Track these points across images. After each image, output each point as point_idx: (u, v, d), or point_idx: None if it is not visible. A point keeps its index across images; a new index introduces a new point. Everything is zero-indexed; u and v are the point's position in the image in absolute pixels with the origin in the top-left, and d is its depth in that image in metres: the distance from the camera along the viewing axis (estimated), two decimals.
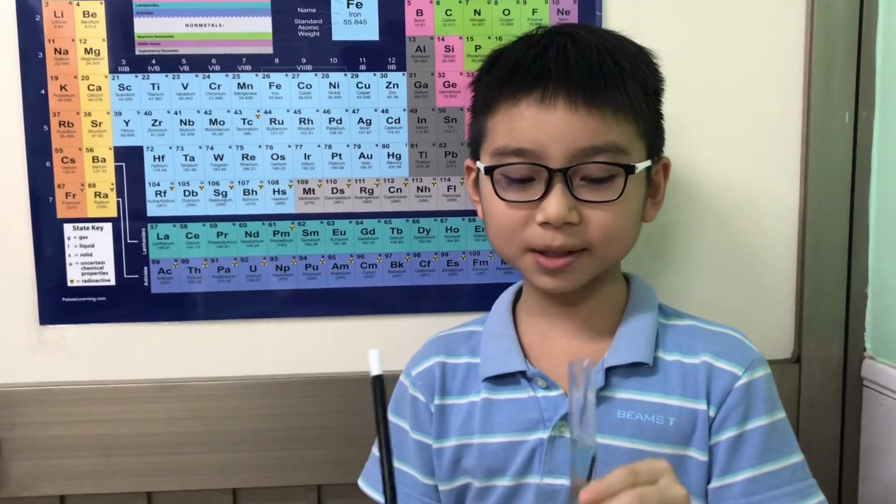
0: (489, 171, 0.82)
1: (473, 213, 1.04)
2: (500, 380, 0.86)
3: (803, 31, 1.04)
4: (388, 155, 1.03)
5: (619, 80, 0.79)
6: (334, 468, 1.06)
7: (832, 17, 1.03)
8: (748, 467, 0.81)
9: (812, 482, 0.83)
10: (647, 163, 0.82)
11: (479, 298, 1.05)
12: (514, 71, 0.81)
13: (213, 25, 0.99)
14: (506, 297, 0.93)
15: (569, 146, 0.78)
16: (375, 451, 0.94)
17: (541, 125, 0.78)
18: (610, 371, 0.83)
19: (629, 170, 0.79)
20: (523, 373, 0.85)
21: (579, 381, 0.66)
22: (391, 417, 0.92)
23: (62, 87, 0.99)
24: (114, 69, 0.99)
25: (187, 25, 0.99)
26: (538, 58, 0.80)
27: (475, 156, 0.87)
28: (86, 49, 0.99)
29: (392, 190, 1.04)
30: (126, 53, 0.99)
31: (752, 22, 1.04)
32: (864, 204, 1.06)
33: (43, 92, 0.99)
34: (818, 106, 1.04)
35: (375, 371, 0.67)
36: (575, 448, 0.68)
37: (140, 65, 0.99)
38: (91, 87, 0.99)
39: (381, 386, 0.67)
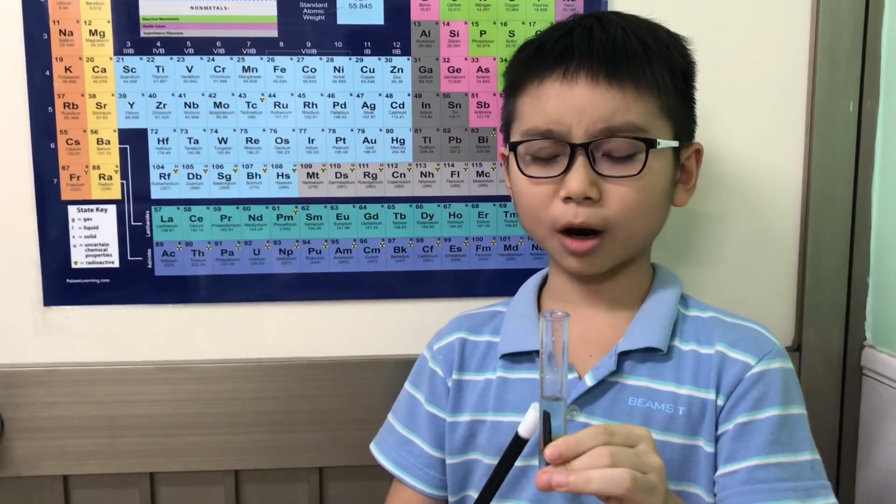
0: (513, 146, 0.83)
1: (477, 199, 1.05)
2: (517, 358, 0.87)
3: (808, 20, 1.04)
4: (392, 140, 1.03)
5: (643, 57, 0.80)
6: (336, 451, 1.07)
7: (837, 5, 1.03)
8: (755, 455, 0.79)
9: (824, 484, 0.81)
10: (673, 143, 0.82)
11: (481, 284, 1.06)
12: (539, 51, 0.83)
13: (218, 8, 0.99)
14: (532, 282, 0.94)
15: (589, 122, 0.79)
16: (391, 417, 0.96)
17: (563, 102, 0.80)
18: (623, 356, 0.83)
19: (650, 143, 0.79)
20: (539, 352, 0.85)
21: (555, 335, 0.66)
22: (409, 387, 0.95)
23: (67, 69, 0.99)
24: (118, 51, 0.99)
25: (192, 8, 0.99)
26: (563, 38, 0.82)
27: (507, 140, 0.88)
28: (91, 31, 0.98)
29: (396, 175, 1.04)
30: (131, 35, 0.99)
31: (757, 11, 1.04)
32: (866, 193, 1.07)
33: (47, 73, 0.99)
34: (822, 95, 1.04)
35: (525, 432, 0.69)
36: (541, 399, 0.67)
37: (145, 47, 0.99)
38: (96, 69, 0.99)
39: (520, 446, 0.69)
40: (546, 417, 0.67)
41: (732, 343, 0.83)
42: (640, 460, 0.66)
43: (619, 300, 0.87)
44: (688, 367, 0.83)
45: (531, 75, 0.83)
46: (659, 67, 0.80)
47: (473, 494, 0.89)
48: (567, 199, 0.80)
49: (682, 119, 0.84)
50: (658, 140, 0.80)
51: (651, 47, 0.81)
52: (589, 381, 0.82)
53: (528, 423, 0.70)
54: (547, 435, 0.67)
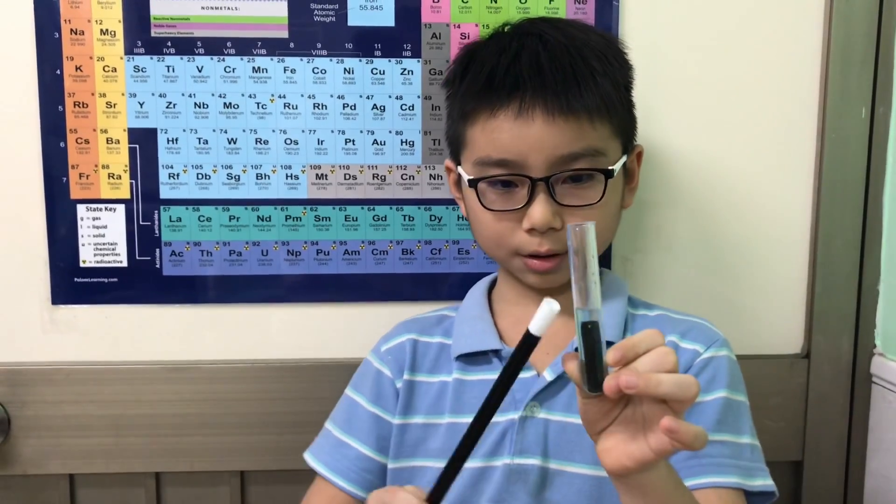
0: (473, 183, 0.84)
1: None
2: (473, 359, 0.87)
3: (821, 25, 1.04)
4: (402, 142, 1.03)
5: (591, 82, 0.81)
6: None
7: (851, 10, 1.02)
8: None
9: (764, 468, 0.83)
10: (623, 159, 0.85)
11: None
12: (489, 82, 0.82)
13: (228, 9, 0.99)
14: (481, 285, 0.95)
15: (548, 155, 0.80)
16: (327, 424, 0.93)
17: (520, 136, 0.81)
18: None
19: (608, 174, 0.82)
20: (497, 352, 0.86)
21: (576, 243, 0.62)
22: (349, 391, 0.94)
23: (77, 68, 0.99)
24: (129, 50, 0.99)
25: (203, 8, 0.99)
26: (512, 66, 0.82)
27: (455, 158, 0.89)
28: (101, 30, 0.99)
29: (405, 177, 1.04)
30: (142, 35, 0.99)
31: (770, 15, 1.04)
32: (877, 200, 1.06)
33: (58, 72, 0.99)
34: (834, 101, 1.04)
35: (536, 330, 0.62)
36: (579, 310, 0.62)
37: (155, 47, 0.99)
38: (106, 69, 0.99)
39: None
40: (586, 329, 0.61)
41: (682, 334, 0.87)
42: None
43: (570, 301, 0.85)
44: None
45: (483, 106, 0.82)
46: (607, 89, 0.82)
47: None
48: (531, 229, 0.82)
49: (628, 130, 0.87)
50: (613, 169, 0.82)
51: (597, 69, 0.82)
52: (548, 376, 0.84)
53: (540, 320, 0.62)
54: (593, 348, 0.61)
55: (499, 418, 0.84)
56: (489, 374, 0.86)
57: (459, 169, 0.87)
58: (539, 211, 0.80)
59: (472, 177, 0.84)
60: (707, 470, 0.80)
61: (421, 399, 0.89)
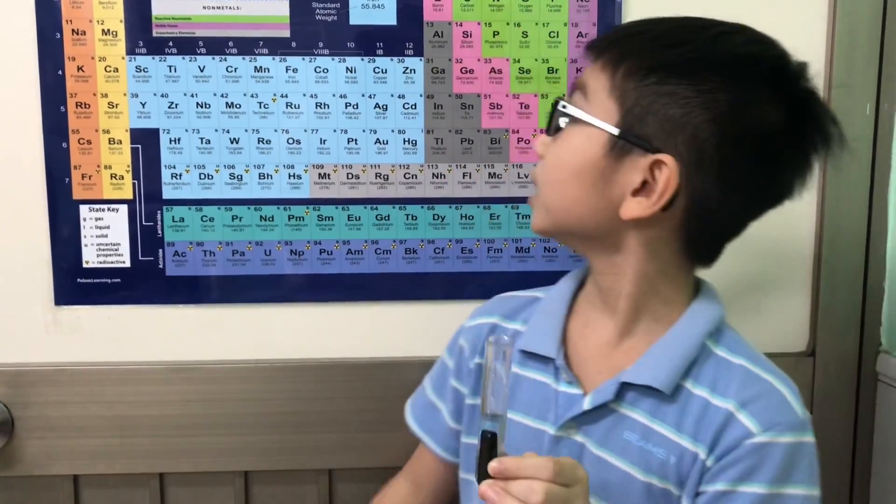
0: None
1: (489, 200, 1.04)
2: (534, 358, 0.85)
3: (826, 22, 1.03)
4: (404, 141, 1.03)
5: (621, 34, 0.79)
6: (345, 452, 1.06)
7: (855, 7, 1.02)
8: None
9: None
10: (591, 118, 0.76)
11: (492, 286, 1.05)
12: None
13: (230, 8, 0.99)
14: (576, 273, 0.90)
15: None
16: (426, 379, 0.97)
17: None
18: (626, 386, 0.78)
19: (558, 105, 0.79)
20: (553, 360, 0.83)
21: (491, 356, 0.68)
22: (444, 354, 0.96)
23: (79, 68, 0.99)
24: (131, 51, 0.99)
25: (205, 8, 0.99)
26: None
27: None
28: (103, 30, 0.98)
29: (407, 176, 1.03)
30: (143, 35, 0.99)
31: (774, 12, 1.03)
32: (882, 197, 1.05)
33: (60, 73, 0.99)
34: (839, 98, 1.03)
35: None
36: (484, 418, 0.68)
37: (157, 47, 0.99)
38: (108, 69, 0.99)
39: None
40: (485, 437, 0.68)
41: (745, 402, 0.75)
42: (563, 501, 0.65)
43: (638, 320, 0.81)
44: (691, 415, 0.77)
45: None
46: (625, 48, 0.76)
47: (472, 478, 0.85)
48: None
49: (639, 114, 0.74)
50: (566, 104, 0.78)
51: (641, 30, 0.78)
52: (587, 404, 0.79)
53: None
54: (487, 452, 0.68)
55: (532, 423, 0.82)
56: (543, 376, 0.83)
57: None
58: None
59: None
60: None
61: None
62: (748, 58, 0.76)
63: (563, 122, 0.79)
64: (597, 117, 0.76)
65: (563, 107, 0.78)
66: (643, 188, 0.75)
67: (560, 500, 0.64)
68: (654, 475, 0.77)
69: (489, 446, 0.67)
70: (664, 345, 0.79)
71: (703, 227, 0.78)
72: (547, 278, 1.03)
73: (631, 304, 0.81)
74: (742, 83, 0.74)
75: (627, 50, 0.76)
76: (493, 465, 0.65)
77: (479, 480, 0.67)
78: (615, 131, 0.75)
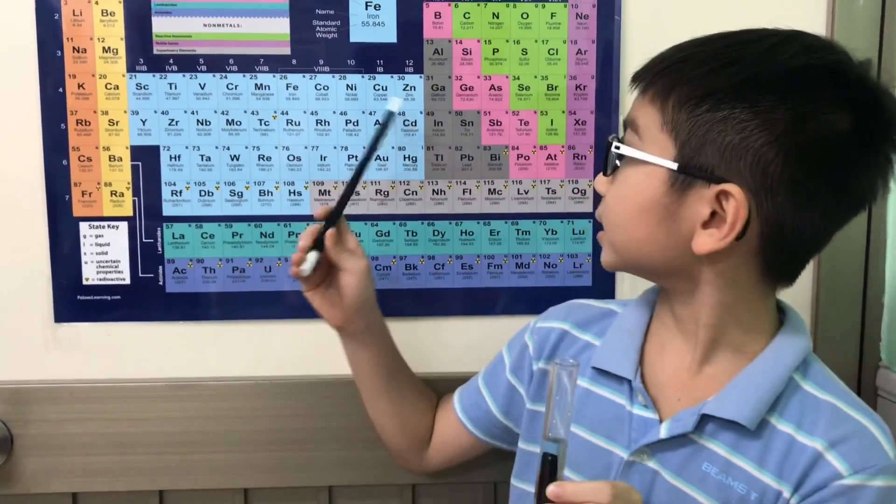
0: None
1: (489, 216, 1.04)
2: (606, 375, 0.83)
3: (823, 34, 1.03)
4: (404, 157, 1.03)
5: (669, 63, 0.75)
6: (346, 469, 1.06)
7: (853, 23, 1.03)
8: None
9: None
10: (646, 156, 0.74)
11: (492, 302, 1.05)
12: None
13: (230, 26, 0.99)
14: (651, 290, 0.87)
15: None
16: (481, 372, 0.97)
17: None
18: (707, 417, 0.76)
19: (615, 147, 0.77)
20: (629, 381, 0.81)
21: (555, 379, 0.68)
22: (504, 348, 0.96)
23: (80, 86, 0.99)
24: (131, 68, 0.99)
25: (205, 25, 0.99)
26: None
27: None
28: (104, 48, 0.99)
29: (407, 192, 1.03)
30: (144, 52, 0.99)
31: (771, 20, 1.03)
32: (881, 212, 1.06)
33: (60, 90, 0.99)
34: None
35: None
36: (546, 440, 0.68)
37: (158, 64, 0.99)
38: (108, 86, 0.99)
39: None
40: (546, 460, 0.68)
41: (834, 442, 0.73)
42: None
43: (718, 350, 0.79)
44: (775, 451, 0.74)
45: None
46: (672, 77, 0.73)
47: (528, 489, 0.87)
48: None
49: (696, 145, 0.72)
50: (620, 145, 0.76)
51: (686, 56, 0.74)
52: (663, 432, 0.77)
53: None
54: (547, 475, 0.68)
55: (600, 443, 0.81)
56: (616, 396, 0.81)
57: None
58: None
59: None
60: None
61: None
62: (803, 69, 0.72)
63: (619, 161, 0.78)
64: (653, 154, 0.74)
65: (617, 148, 0.76)
66: (713, 219, 0.72)
67: None
68: None
69: (549, 470, 0.68)
70: (749, 377, 0.76)
71: (782, 250, 0.74)
72: (547, 294, 1.04)
73: (710, 334, 0.78)
74: (800, 96, 0.70)
75: (674, 79, 0.73)
76: (551, 490, 0.65)
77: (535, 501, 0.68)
78: (673, 166, 0.73)
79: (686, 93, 0.72)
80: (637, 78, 0.78)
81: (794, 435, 0.74)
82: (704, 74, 0.72)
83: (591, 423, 0.83)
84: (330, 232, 0.88)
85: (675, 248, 0.75)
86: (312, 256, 0.87)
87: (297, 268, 0.87)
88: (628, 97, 0.84)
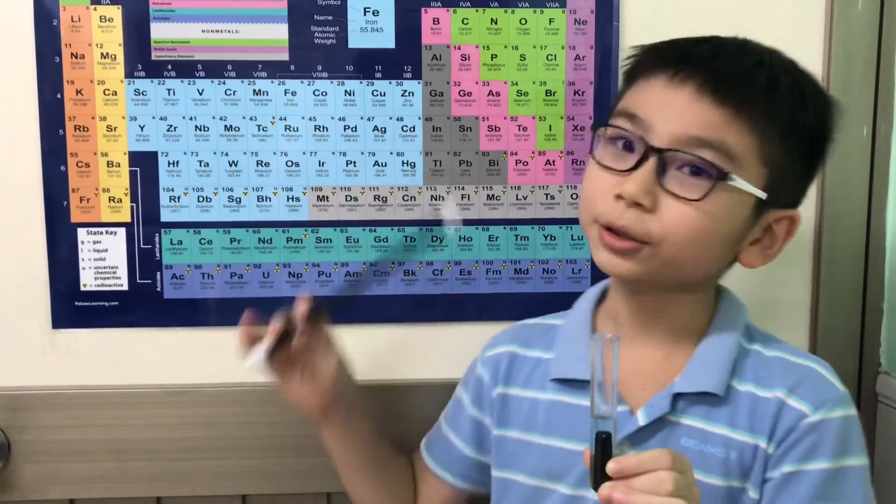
0: (596, 126, 0.81)
1: (487, 222, 1.04)
2: (570, 383, 0.85)
3: (821, 44, 1.04)
4: (403, 163, 1.03)
5: (763, 91, 0.75)
6: None
7: (851, 30, 1.03)
8: None
9: None
10: (754, 190, 0.76)
11: (492, 308, 1.05)
12: (667, 49, 0.81)
13: (229, 32, 0.99)
14: (590, 296, 0.91)
15: (677, 129, 0.75)
16: (441, 416, 0.98)
17: (661, 100, 0.77)
18: (678, 396, 0.80)
19: (721, 175, 0.74)
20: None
21: (593, 354, 0.67)
22: (458, 387, 0.97)
23: (78, 92, 0.99)
24: (130, 74, 0.99)
25: (203, 31, 0.99)
26: (694, 46, 0.79)
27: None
28: (102, 54, 0.99)
29: (406, 198, 1.03)
30: (142, 58, 0.99)
31: (769, 35, 1.03)
32: (880, 218, 1.06)
33: (59, 96, 0.99)
34: None
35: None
36: (594, 419, 0.68)
37: (156, 70, 0.99)
38: (107, 92, 0.99)
39: None
40: (599, 438, 0.67)
41: (792, 388, 0.79)
42: (690, 490, 0.66)
43: (675, 332, 0.84)
44: (743, 411, 0.80)
45: (646, 68, 0.80)
46: (777, 109, 0.76)
47: None
48: (619, 197, 0.76)
49: (785, 178, 0.78)
50: (732, 175, 0.74)
51: (780, 87, 0.76)
52: (641, 419, 0.80)
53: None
54: (603, 454, 0.67)
55: (579, 447, 0.81)
56: (584, 400, 0.81)
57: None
58: (636, 180, 0.74)
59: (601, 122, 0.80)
60: None
61: (514, 413, 0.88)
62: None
63: (702, 183, 0.74)
64: (749, 182, 0.76)
65: (732, 178, 0.74)
66: (766, 237, 0.81)
67: (684, 485, 0.65)
68: (716, 475, 0.79)
69: (603, 448, 0.67)
70: (708, 351, 0.82)
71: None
72: (546, 300, 1.04)
73: (678, 323, 0.84)
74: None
75: (777, 112, 0.76)
76: (612, 467, 0.65)
77: (596, 485, 0.66)
78: (763, 196, 0.77)
79: (786, 129, 0.77)
80: (729, 97, 0.75)
81: (755, 392, 0.80)
82: (797, 109, 0.77)
83: (565, 432, 0.84)
84: (302, 312, 0.85)
85: (722, 264, 0.82)
86: (261, 349, 0.84)
87: (247, 351, 0.85)
88: None
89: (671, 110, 0.76)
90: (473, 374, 0.94)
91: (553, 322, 0.93)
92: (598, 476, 0.66)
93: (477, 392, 0.93)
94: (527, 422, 0.87)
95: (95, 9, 0.98)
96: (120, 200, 1.01)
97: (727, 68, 0.76)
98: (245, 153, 1.01)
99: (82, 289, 1.02)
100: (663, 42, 0.83)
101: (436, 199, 1.03)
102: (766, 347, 0.84)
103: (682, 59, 0.77)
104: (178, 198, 1.01)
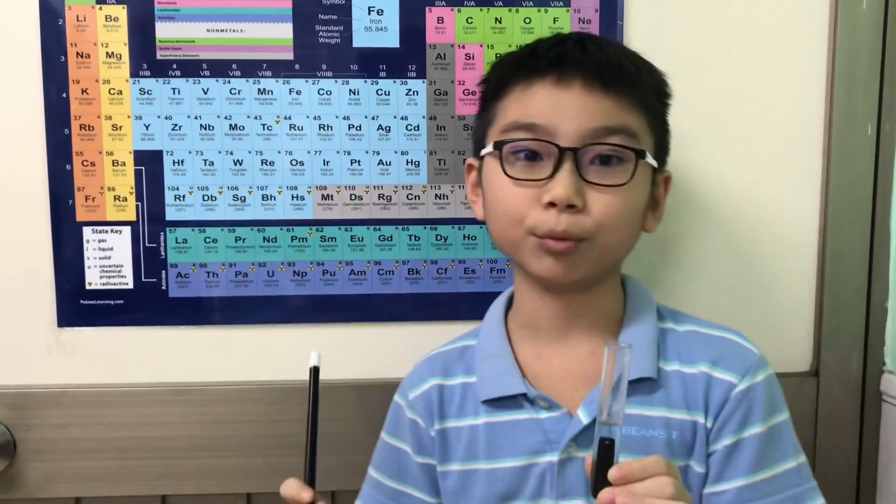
0: (498, 146, 0.80)
1: None
2: (501, 402, 0.84)
3: (826, 42, 1.04)
4: (407, 162, 1.03)
5: (634, 74, 0.81)
6: (348, 474, 1.05)
7: (856, 28, 1.02)
8: (741, 475, 0.80)
9: (810, 485, 0.82)
10: (654, 162, 0.82)
11: None
12: (530, 55, 0.82)
13: (234, 31, 1.00)
14: (497, 308, 0.91)
15: (582, 125, 0.77)
16: (374, 473, 0.93)
17: (555, 102, 0.78)
18: None
19: (640, 154, 0.79)
20: (524, 394, 0.83)
21: (612, 364, 0.67)
22: (389, 439, 0.92)
23: (83, 91, 0.99)
24: (135, 73, 0.99)
25: (208, 31, 0.99)
26: (556, 46, 0.81)
27: (479, 149, 0.86)
28: (107, 53, 0.99)
29: (410, 197, 1.03)
30: (147, 58, 0.99)
31: (775, 33, 1.04)
32: (885, 217, 1.05)
33: (64, 95, 0.99)
34: (840, 118, 1.03)
35: (314, 362, 0.79)
36: (601, 425, 0.68)
37: (161, 69, 1.00)
38: (112, 91, 0.99)
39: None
40: (602, 444, 0.68)
41: (715, 361, 0.83)
42: (685, 495, 0.67)
43: (595, 324, 0.85)
44: (676, 390, 0.82)
45: (518, 78, 0.81)
46: (648, 88, 0.82)
47: None
48: (550, 204, 0.77)
49: (660, 144, 0.85)
50: (645, 150, 0.80)
51: (640, 68, 0.82)
52: (584, 418, 0.81)
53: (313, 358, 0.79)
54: (605, 460, 0.68)
55: (536, 460, 0.82)
56: (519, 415, 0.83)
57: (484, 151, 0.83)
58: (562, 183, 0.76)
59: (497, 139, 0.81)
60: None
61: (454, 446, 0.87)
62: None
63: (627, 166, 0.79)
64: (650, 154, 0.81)
65: (645, 156, 0.80)
66: (652, 201, 0.85)
67: (680, 490, 0.67)
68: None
69: (607, 454, 0.67)
70: (631, 337, 0.83)
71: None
72: None
73: (599, 312, 0.86)
74: None
75: (647, 87, 0.82)
76: (614, 473, 0.66)
77: (595, 491, 0.67)
78: (655, 164, 0.83)
79: (660, 97, 0.85)
80: (606, 82, 0.79)
81: (681, 370, 0.83)
82: (656, 75, 0.85)
83: (509, 451, 0.83)
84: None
85: (637, 238, 0.85)
86: None
87: None
88: None
89: (569, 109, 0.78)
90: (403, 420, 0.90)
91: (466, 343, 0.91)
92: (599, 482, 0.67)
93: (416, 438, 0.89)
94: (468, 451, 0.85)
95: (101, 8, 0.98)
96: (125, 199, 1.01)
97: (601, 61, 0.79)
98: (250, 152, 1.01)
99: (87, 287, 1.02)
100: (516, 53, 0.86)
101: (440, 199, 1.04)
102: (677, 324, 0.87)
103: (558, 61, 0.79)
104: (184, 196, 1.01)
